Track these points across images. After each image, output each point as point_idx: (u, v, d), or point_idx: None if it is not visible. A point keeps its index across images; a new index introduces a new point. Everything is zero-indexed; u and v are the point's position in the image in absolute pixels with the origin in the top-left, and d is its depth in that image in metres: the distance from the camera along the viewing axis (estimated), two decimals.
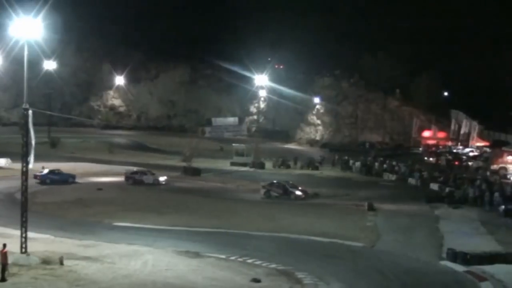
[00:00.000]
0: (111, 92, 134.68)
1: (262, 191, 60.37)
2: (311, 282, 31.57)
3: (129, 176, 66.92)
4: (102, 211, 49.36)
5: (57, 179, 64.38)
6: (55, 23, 63.66)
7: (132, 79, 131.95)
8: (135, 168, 71.28)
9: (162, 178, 67.35)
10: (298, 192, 59.79)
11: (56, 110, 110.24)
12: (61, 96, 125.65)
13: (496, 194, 56.08)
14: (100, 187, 61.24)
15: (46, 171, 64.77)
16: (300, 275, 32.64)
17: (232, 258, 35.82)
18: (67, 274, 30.33)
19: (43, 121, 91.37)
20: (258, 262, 34.92)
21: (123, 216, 47.59)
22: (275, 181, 62.43)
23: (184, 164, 77.51)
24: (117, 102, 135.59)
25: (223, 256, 35.99)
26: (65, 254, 33.39)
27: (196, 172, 74.17)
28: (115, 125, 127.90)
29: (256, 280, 31.24)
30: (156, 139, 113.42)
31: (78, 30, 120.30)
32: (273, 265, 34.41)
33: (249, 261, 35.29)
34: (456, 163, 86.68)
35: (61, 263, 31.81)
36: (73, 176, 65.98)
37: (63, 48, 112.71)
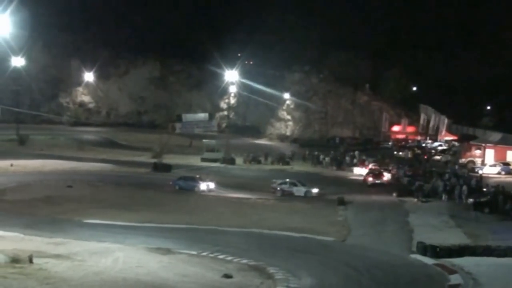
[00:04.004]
0: (80, 89, 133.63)
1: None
2: (283, 277, 31.55)
3: None
4: (72, 209, 48.91)
5: (184, 186, 61.20)
6: (23, 19, 63.23)
7: (101, 75, 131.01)
8: None
9: None
10: None
11: (25, 107, 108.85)
12: (29, 93, 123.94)
13: (465, 188, 56.75)
14: (70, 184, 60.43)
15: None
16: (271, 270, 32.64)
17: (203, 254, 35.75)
18: (36, 273, 29.92)
19: (11, 118, 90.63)
20: (229, 258, 34.89)
21: (93, 213, 47.26)
22: None
23: (154, 160, 77.11)
24: (86, 98, 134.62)
25: (194, 252, 35.91)
26: (35, 252, 32.98)
27: (166, 168, 73.71)
28: (85, 122, 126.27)
29: (228, 276, 31.20)
30: (126, 135, 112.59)
31: (46, 26, 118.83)
32: (245, 261, 34.40)
33: (221, 256, 35.23)
34: (425, 157, 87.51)
35: (31, 261, 31.37)
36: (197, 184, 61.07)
37: (31, 45, 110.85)
